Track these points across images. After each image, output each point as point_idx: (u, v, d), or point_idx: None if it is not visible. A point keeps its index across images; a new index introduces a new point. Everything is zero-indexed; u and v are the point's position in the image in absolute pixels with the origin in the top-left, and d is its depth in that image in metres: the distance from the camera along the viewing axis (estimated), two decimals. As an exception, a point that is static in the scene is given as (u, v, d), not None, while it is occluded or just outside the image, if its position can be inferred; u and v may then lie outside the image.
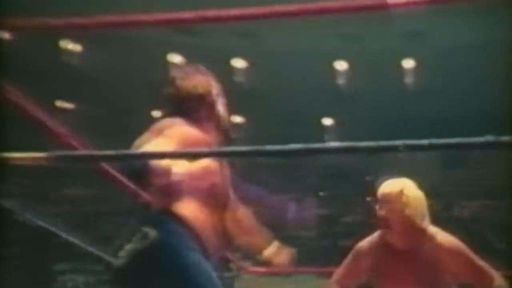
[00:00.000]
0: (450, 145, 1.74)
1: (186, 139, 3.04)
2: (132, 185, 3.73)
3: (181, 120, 3.17)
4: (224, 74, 4.01)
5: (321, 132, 16.83)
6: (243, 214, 3.50)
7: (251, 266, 5.05)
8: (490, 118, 13.18)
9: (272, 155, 1.73)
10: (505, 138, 1.76)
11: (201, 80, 3.35)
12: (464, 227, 13.24)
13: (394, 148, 1.76)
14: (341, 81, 15.73)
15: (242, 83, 15.32)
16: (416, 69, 15.58)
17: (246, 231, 3.52)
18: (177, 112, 3.24)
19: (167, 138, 2.98)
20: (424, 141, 1.76)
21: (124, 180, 3.78)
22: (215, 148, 3.06)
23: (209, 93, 3.34)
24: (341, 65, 15.88)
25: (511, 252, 11.72)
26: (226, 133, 3.32)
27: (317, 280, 9.80)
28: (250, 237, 3.59)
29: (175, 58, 15.35)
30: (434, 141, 1.78)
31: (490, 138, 1.75)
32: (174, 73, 3.44)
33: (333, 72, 15.81)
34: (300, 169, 15.73)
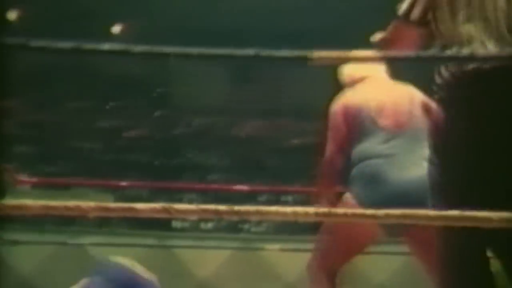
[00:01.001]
0: (223, 55, 1.74)
1: None
2: None
3: None
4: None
5: (110, 37, 15.27)
6: None
7: (24, 176, 4.84)
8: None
9: (39, 51, 1.66)
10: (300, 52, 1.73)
11: None
12: (240, 146, 13.56)
13: (166, 54, 1.76)
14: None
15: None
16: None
17: None
18: None
19: None
20: (194, 49, 1.75)
21: None
22: None
23: None
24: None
25: (282, 170, 12.20)
26: None
27: (94, 194, 9.75)
28: None
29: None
30: (207, 50, 1.77)
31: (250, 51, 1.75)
32: None
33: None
34: (88, 76, 14.93)
